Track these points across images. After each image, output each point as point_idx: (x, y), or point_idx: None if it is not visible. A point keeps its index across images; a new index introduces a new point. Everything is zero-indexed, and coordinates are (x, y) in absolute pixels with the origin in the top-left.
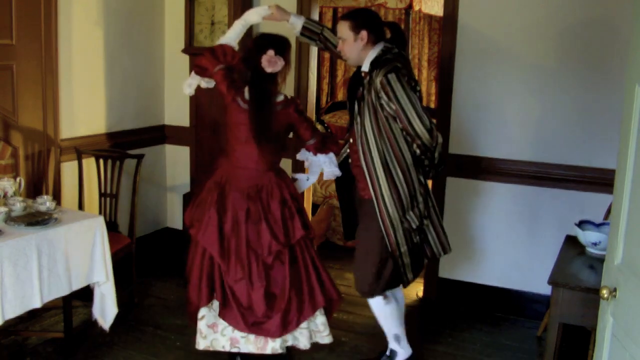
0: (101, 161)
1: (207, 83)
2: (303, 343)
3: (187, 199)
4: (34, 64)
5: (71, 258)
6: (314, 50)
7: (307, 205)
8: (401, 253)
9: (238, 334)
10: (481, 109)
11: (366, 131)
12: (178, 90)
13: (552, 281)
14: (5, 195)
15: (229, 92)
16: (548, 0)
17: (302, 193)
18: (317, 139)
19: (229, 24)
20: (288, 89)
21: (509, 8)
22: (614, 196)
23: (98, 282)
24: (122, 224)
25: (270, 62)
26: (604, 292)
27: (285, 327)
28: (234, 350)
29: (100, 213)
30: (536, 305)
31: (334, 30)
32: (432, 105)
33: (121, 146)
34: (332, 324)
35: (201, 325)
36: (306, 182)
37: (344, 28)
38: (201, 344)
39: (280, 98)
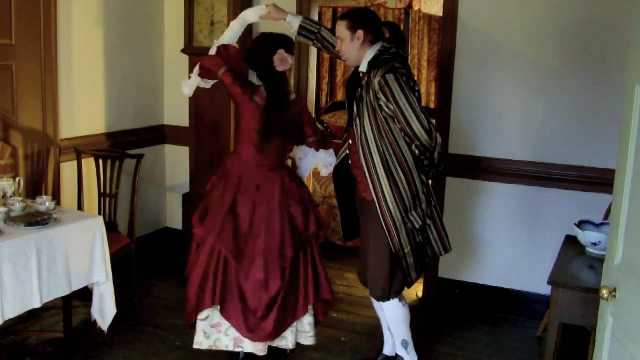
0: (101, 161)
1: (205, 83)
2: (291, 342)
3: (187, 199)
4: (33, 64)
5: (71, 258)
6: (313, 51)
7: None
8: (405, 254)
9: None
10: (481, 109)
11: (366, 132)
12: (178, 90)
13: (552, 281)
14: (4, 196)
15: (245, 92)
16: (548, 0)
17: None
18: (318, 136)
19: (229, 24)
20: None
21: (509, 8)
22: (614, 196)
23: (98, 283)
24: (121, 224)
25: (282, 61)
26: (604, 292)
27: (281, 328)
28: (238, 349)
29: (99, 213)
30: (536, 305)
31: (333, 31)
32: (432, 105)
33: (121, 146)
34: (332, 324)
35: (204, 325)
36: (312, 163)
37: (341, 28)
38: (204, 344)
39: (293, 96)
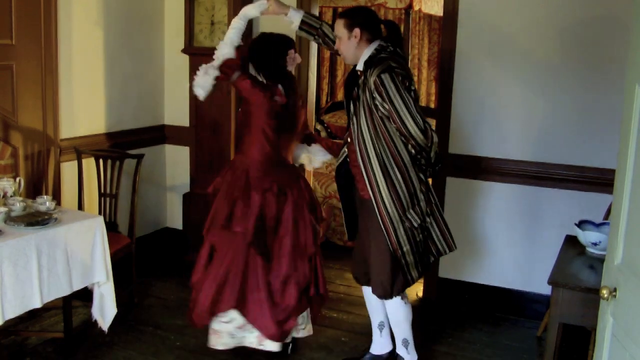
0: (101, 161)
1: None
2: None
3: (187, 199)
4: (33, 64)
5: (71, 258)
6: (314, 50)
7: None
8: (403, 252)
9: None
10: (481, 109)
11: (362, 131)
12: (178, 90)
13: (552, 281)
14: (5, 195)
15: (266, 93)
16: (548, 0)
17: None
18: (309, 131)
19: (229, 24)
20: None
21: (509, 7)
22: (614, 196)
23: (98, 283)
24: (121, 224)
25: (294, 60)
26: (604, 292)
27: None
28: (260, 347)
29: (100, 213)
30: (536, 305)
31: (334, 28)
32: (432, 105)
33: (121, 146)
34: (332, 324)
35: (230, 328)
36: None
37: (339, 26)
38: (230, 343)
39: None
